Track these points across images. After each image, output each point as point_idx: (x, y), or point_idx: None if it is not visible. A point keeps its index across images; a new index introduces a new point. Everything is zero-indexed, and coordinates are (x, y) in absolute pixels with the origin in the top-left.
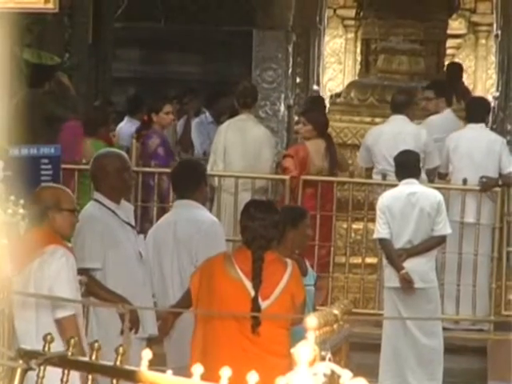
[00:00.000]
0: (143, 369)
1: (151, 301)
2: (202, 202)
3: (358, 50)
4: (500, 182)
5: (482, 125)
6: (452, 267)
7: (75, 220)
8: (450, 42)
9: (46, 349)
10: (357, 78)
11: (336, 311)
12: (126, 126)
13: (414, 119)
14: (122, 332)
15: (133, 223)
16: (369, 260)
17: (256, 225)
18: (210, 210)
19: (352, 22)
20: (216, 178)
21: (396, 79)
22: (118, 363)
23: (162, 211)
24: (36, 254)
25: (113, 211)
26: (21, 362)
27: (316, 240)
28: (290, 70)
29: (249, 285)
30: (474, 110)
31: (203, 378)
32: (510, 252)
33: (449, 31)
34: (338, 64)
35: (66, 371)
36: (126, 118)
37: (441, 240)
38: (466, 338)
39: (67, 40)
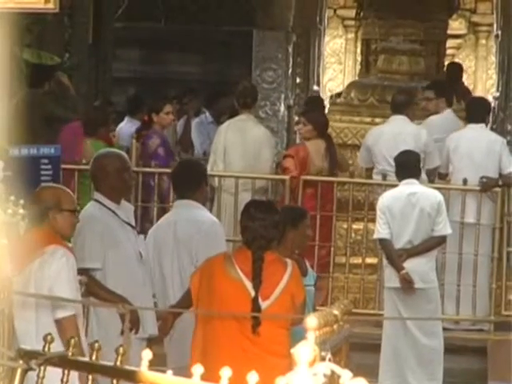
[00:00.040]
0: (143, 369)
1: (151, 301)
2: (203, 202)
3: (358, 51)
4: (500, 183)
5: (482, 125)
6: (452, 267)
7: (76, 220)
8: (450, 42)
9: (46, 349)
10: (357, 78)
11: (336, 311)
12: (126, 126)
13: (414, 119)
14: (122, 332)
15: (133, 223)
16: (369, 260)
17: (256, 225)
18: (210, 210)
19: (352, 23)
20: (216, 178)
21: (396, 79)
22: (118, 363)
23: (163, 211)
24: (36, 254)
25: (113, 211)
26: (21, 362)
27: (316, 240)
28: (290, 71)
29: (249, 285)
30: (475, 111)
31: (203, 378)
32: (510, 252)
33: (449, 31)
34: (338, 64)
35: (66, 371)
36: (126, 118)
37: (441, 240)
38: (466, 338)
39: (67, 40)
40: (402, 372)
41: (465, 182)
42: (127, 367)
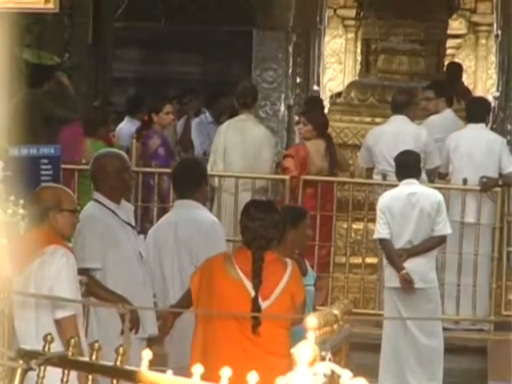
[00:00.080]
0: (143, 369)
1: (151, 301)
2: (203, 201)
3: (359, 50)
4: (500, 182)
5: (482, 125)
6: (452, 267)
7: (76, 220)
8: (450, 42)
9: (46, 349)
10: (357, 78)
11: (336, 311)
12: (126, 126)
13: (414, 119)
14: (122, 332)
15: (133, 223)
16: (369, 260)
17: (256, 225)
18: (210, 210)
19: (352, 22)
20: (216, 178)
21: (396, 79)
22: (118, 363)
23: (163, 211)
24: (36, 254)
25: (113, 211)
26: (21, 362)
27: (316, 240)
28: (290, 70)
29: (249, 285)
30: (475, 110)
31: (203, 378)
32: (510, 252)
33: (449, 31)
34: (338, 64)
35: (66, 371)
36: (126, 118)
37: (441, 240)
38: (466, 338)
39: (67, 40)
40: (402, 372)
41: (465, 181)
42: (127, 367)
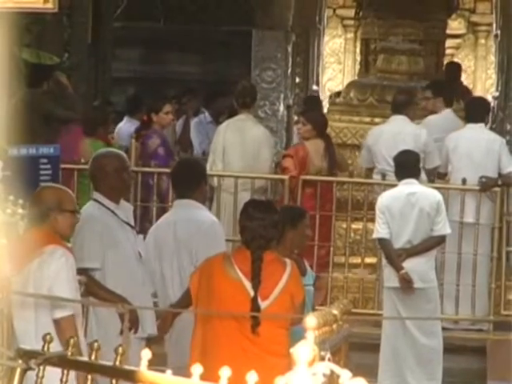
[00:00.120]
0: (142, 369)
1: (150, 301)
2: (202, 201)
3: (358, 50)
4: (499, 182)
5: (482, 125)
6: (451, 267)
7: (76, 221)
8: (449, 42)
9: (46, 349)
10: (356, 77)
11: (335, 311)
12: (126, 126)
13: (414, 119)
14: (121, 332)
15: (132, 223)
16: (368, 260)
17: (255, 225)
18: (210, 209)
19: (351, 22)
20: (215, 178)
21: (395, 79)
22: (117, 363)
23: (162, 211)
24: (35, 254)
25: (112, 211)
26: (20, 361)
27: (315, 240)
28: (289, 70)
29: (248, 285)
30: (474, 110)
31: (203, 377)
32: (510, 252)
33: (448, 31)
34: (337, 64)
35: (65, 371)
36: (126, 118)
37: (440, 240)
38: (466, 337)
39: (66, 40)
40: (401, 372)
41: (464, 181)
42: (126, 367)
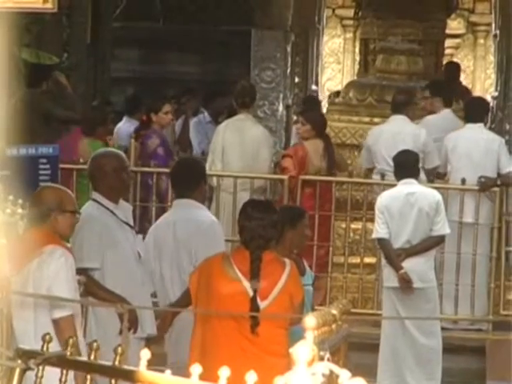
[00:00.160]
0: (142, 369)
1: (150, 301)
2: (202, 200)
3: (357, 50)
4: (498, 182)
5: (481, 125)
6: (451, 267)
7: (76, 221)
8: (448, 42)
9: (45, 349)
10: (355, 77)
11: (334, 311)
12: (125, 126)
13: (414, 119)
14: (120, 332)
15: (131, 223)
16: (367, 260)
17: (254, 225)
18: (209, 209)
19: (351, 22)
20: (214, 178)
21: (394, 79)
22: (116, 363)
23: (161, 211)
24: (35, 254)
25: (111, 211)
26: (19, 361)
27: (315, 240)
28: (288, 70)
29: (247, 285)
30: (473, 110)
31: (202, 377)
32: (509, 252)
33: (447, 31)
34: (336, 64)
35: (64, 371)
36: (125, 118)
37: (439, 240)
38: (465, 337)
39: (66, 40)
40: (401, 372)
41: (463, 181)
42: (126, 367)
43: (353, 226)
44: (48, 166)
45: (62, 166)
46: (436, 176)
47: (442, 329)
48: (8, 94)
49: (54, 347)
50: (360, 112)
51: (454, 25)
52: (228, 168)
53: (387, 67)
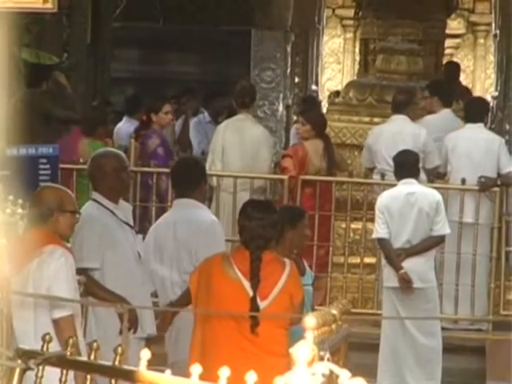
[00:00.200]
0: (142, 369)
1: (150, 300)
2: (202, 200)
3: (357, 50)
4: (499, 182)
5: (481, 125)
6: (451, 267)
7: (76, 221)
8: (448, 42)
9: (45, 349)
10: (355, 77)
11: (334, 311)
12: (125, 126)
13: (415, 119)
14: (120, 332)
15: (131, 223)
16: (367, 260)
17: (254, 225)
18: (209, 209)
19: (351, 22)
20: (214, 178)
21: (394, 79)
22: (116, 363)
23: (161, 211)
24: (35, 254)
25: (111, 211)
26: (19, 361)
27: (315, 240)
28: (288, 70)
29: (247, 285)
30: (473, 110)
31: (202, 377)
32: (509, 252)
33: (447, 31)
34: (336, 64)
35: (64, 371)
36: (125, 118)
37: (439, 240)
38: (465, 337)
39: (66, 40)
40: (401, 372)
41: (463, 181)
42: (126, 367)
43: (353, 225)
44: (48, 166)
45: (62, 166)
46: (436, 176)
47: (442, 329)
48: (8, 94)
49: (54, 347)
50: (360, 112)
51: (454, 25)
52: (228, 168)
53: (387, 67)
